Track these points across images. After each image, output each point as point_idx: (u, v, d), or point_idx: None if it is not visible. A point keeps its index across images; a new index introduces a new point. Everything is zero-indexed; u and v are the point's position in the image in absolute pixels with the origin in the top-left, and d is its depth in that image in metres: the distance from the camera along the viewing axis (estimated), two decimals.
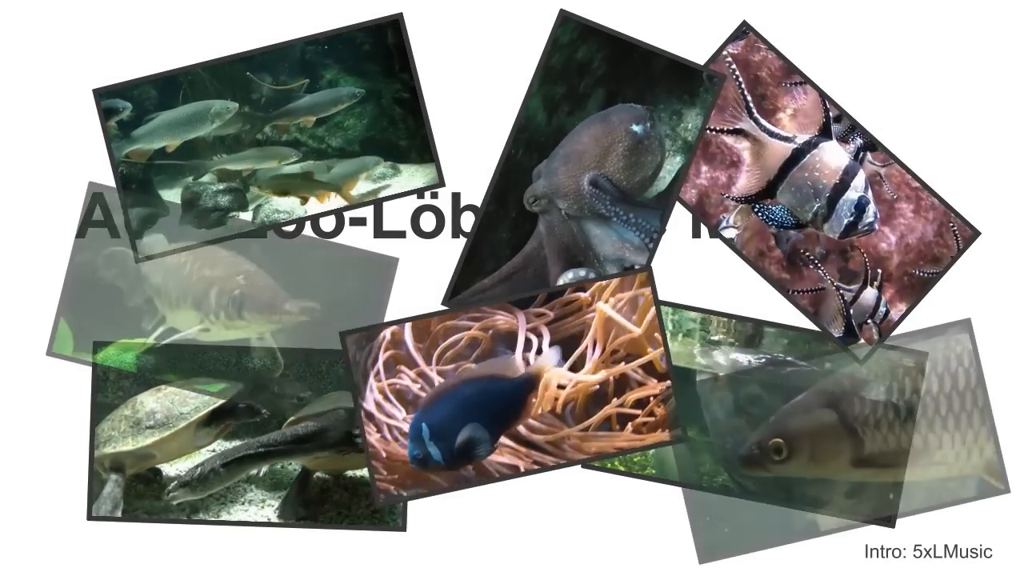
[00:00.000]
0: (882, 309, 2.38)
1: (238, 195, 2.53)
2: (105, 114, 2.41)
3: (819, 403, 2.09)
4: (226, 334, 2.40)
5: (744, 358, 2.38)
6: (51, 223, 2.42)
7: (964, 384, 2.09)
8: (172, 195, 2.50)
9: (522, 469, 2.28)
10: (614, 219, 2.40)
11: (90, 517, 2.41)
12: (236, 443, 2.48)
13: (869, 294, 2.37)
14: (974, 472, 2.13)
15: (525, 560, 2.41)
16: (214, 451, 2.52)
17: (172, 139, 2.49)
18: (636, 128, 2.40)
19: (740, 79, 2.37)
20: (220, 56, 2.41)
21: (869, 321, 2.37)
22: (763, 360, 2.38)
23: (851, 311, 2.36)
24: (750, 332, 2.42)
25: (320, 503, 2.45)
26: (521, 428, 2.27)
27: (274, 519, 2.43)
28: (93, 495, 2.40)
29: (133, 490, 2.43)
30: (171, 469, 2.52)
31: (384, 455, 2.31)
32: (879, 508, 2.27)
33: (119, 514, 2.38)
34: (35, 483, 2.43)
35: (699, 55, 2.41)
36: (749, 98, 2.36)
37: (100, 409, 2.43)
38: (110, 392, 2.46)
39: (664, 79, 2.45)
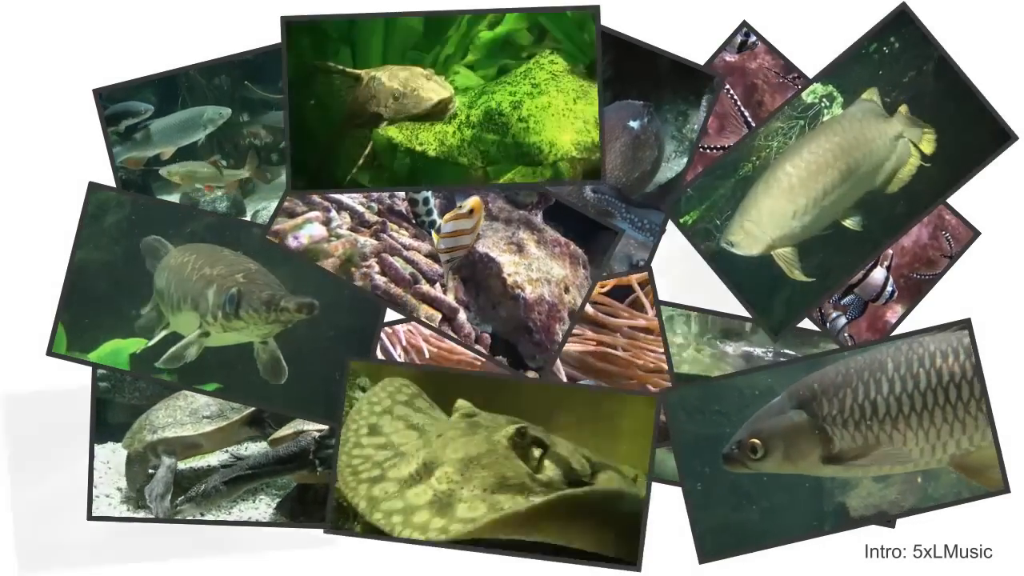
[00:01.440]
0: (889, 289, 2.40)
1: (236, 200, 2.53)
2: (124, 116, 2.42)
3: (791, 404, 2.19)
4: (226, 337, 2.36)
5: (756, 351, 2.40)
6: (51, 223, 2.42)
7: (925, 384, 2.16)
8: (171, 199, 2.51)
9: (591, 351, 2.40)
10: (627, 225, 2.41)
11: (90, 517, 2.41)
12: (231, 458, 2.55)
13: (878, 273, 2.39)
14: (939, 466, 2.20)
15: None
16: (227, 452, 2.57)
17: (166, 146, 2.50)
18: (633, 124, 2.41)
19: (736, 98, 2.39)
20: (219, 57, 2.41)
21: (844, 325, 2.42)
22: (770, 354, 2.40)
23: (824, 317, 2.42)
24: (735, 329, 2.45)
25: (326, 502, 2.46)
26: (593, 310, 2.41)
27: (275, 517, 2.45)
28: (137, 481, 2.45)
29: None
30: (184, 467, 2.54)
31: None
32: (905, 492, 2.33)
33: (168, 502, 2.41)
34: (35, 483, 2.43)
35: (703, 55, 2.42)
36: (747, 114, 2.39)
37: (117, 409, 2.47)
38: (127, 393, 2.49)
39: (669, 80, 2.45)
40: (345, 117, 2.42)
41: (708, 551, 2.35)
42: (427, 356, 2.39)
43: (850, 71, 2.39)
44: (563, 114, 2.34)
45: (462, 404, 2.30)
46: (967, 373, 2.18)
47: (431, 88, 2.36)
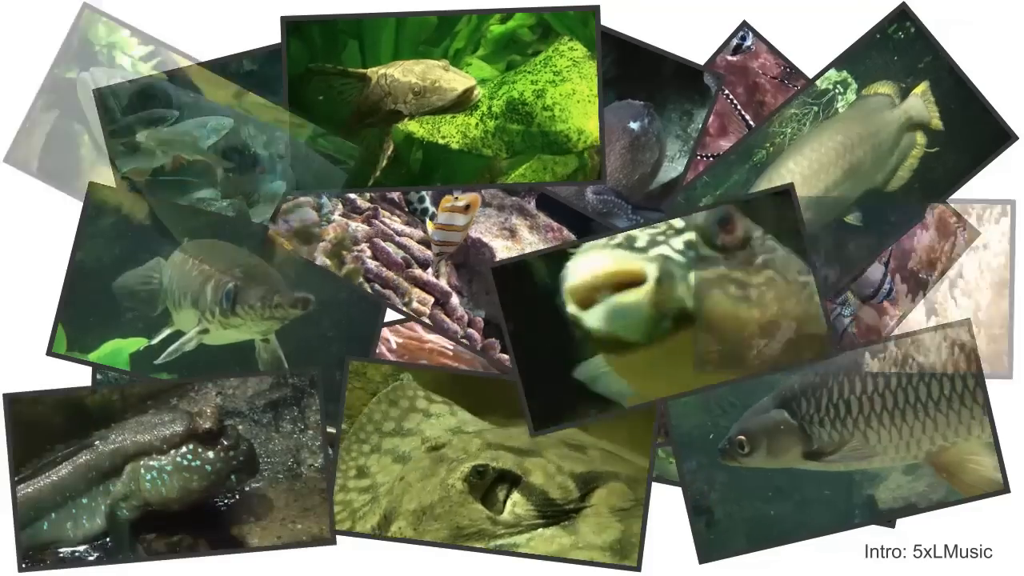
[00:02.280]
0: (886, 286, 2.40)
1: (240, 210, 2.52)
2: (153, 120, 2.42)
3: (774, 404, 2.31)
4: (225, 335, 2.34)
5: None
6: (51, 223, 2.42)
7: (896, 383, 2.25)
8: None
9: None
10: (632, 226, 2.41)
11: None
12: None
13: (875, 270, 2.39)
14: (916, 462, 2.28)
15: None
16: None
17: (170, 156, 2.48)
18: (633, 125, 2.41)
19: (735, 100, 2.38)
20: (220, 56, 2.41)
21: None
22: None
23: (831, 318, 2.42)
24: None
25: None
26: None
27: None
28: None
29: None
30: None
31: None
32: (934, 485, 2.35)
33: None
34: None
35: (703, 55, 2.42)
36: (747, 116, 2.39)
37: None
38: None
39: (673, 80, 2.44)
40: (352, 117, 2.40)
41: (735, 545, 2.35)
42: (394, 346, 2.38)
43: (865, 58, 2.38)
44: (589, 100, 2.32)
45: (430, 436, 2.29)
46: (936, 370, 2.25)
47: (453, 78, 2.32)
